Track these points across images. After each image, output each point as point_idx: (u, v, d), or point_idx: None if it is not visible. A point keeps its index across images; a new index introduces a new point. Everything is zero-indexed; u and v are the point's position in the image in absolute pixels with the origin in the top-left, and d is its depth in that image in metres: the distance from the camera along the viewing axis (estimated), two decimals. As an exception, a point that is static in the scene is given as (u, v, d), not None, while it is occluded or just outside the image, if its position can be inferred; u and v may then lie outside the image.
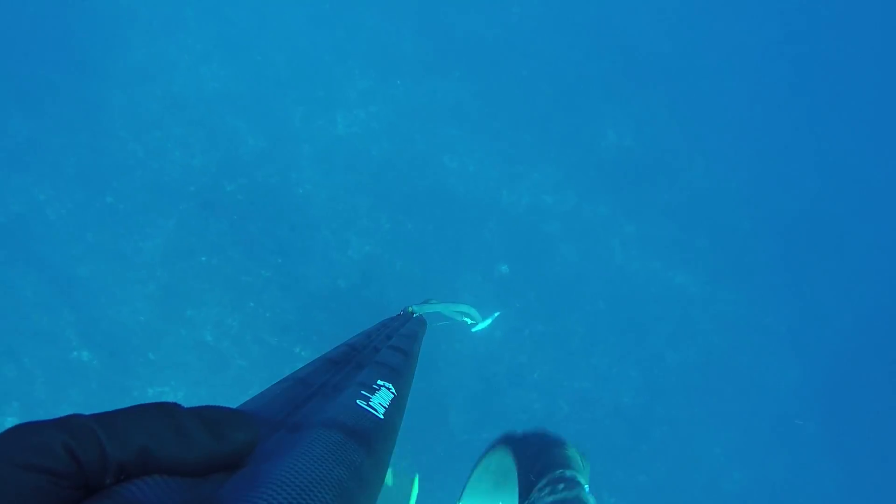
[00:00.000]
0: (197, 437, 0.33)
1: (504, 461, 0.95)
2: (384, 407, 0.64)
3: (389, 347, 0.94)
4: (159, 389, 4.06)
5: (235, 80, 4.47)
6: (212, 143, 4.35)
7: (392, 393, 0.70)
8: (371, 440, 0.54)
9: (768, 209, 5.28)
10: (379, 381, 0.71)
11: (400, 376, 0.78)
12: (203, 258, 4.21)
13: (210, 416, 0.34)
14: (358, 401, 0.61)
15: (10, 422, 3.81)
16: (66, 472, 0.26)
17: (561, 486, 0.75)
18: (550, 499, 0.71)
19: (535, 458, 0.86)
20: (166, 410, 0.32)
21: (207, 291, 4.20)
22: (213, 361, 4.13)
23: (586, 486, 0.79)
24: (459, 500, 1.11)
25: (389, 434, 0.62)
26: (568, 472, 0.79)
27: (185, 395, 4.07)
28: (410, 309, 1.35)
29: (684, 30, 5.53)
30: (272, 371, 4.15)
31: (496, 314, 3.86)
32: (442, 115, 4.72)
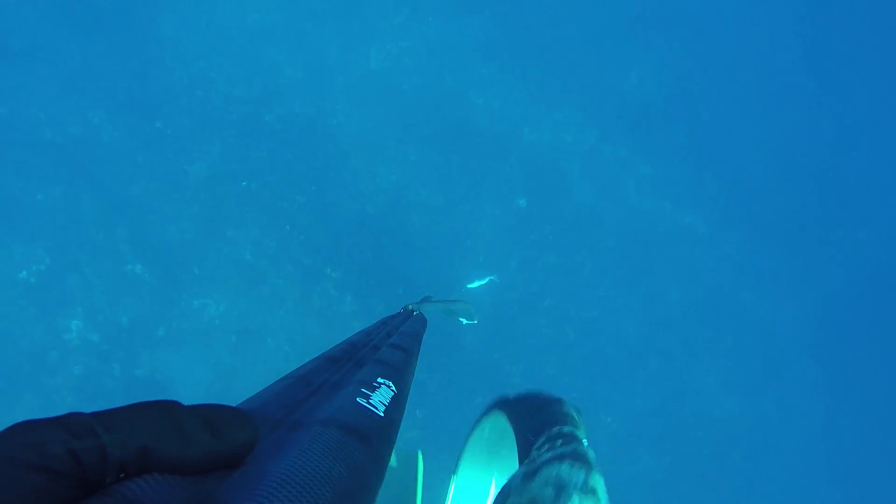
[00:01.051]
0: (197, 437, 0.33)
1: (499, 424, 0.96)
2: (384, 405, 0.66)
3: (390, 345, 0.95)
4: (203, 301, 4.46)
5: (275, 12, 4.67)
6: (252, 74, 4.59)
7: (392, 391, 0.71)
8: (371, 438, 0.55)
9: (779, 157, 5.39)
10: (379, 379, 0.72)
11: (400, 374, 0.80)
12: (244, 183, 4.54)
13: (210, 415, 0.35)
14: (358, 399, 0.63)
15: (76, 325, 4.27)
16: (67, 470, 0.26)
17: (559, 441, 0.78)
18: (549, 454, 0.73)
19: (532, 417, 0.89)
20: (166, 409, 0.32)
21: (247, 214, 4.55)
22: (251, 278, 4.51)
23: (585, 440, 0.81)
24: (455, 473, 1.12)
25: (389, 432, 0.64)
26: (566, 428, 0.82)
27: (227, 308, 4.46)
28: (411, 307, 1.39)
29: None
30: (305, 288, 4.54)
31: (490, 278, 4.06)
32: (471, 52, 4.88)
